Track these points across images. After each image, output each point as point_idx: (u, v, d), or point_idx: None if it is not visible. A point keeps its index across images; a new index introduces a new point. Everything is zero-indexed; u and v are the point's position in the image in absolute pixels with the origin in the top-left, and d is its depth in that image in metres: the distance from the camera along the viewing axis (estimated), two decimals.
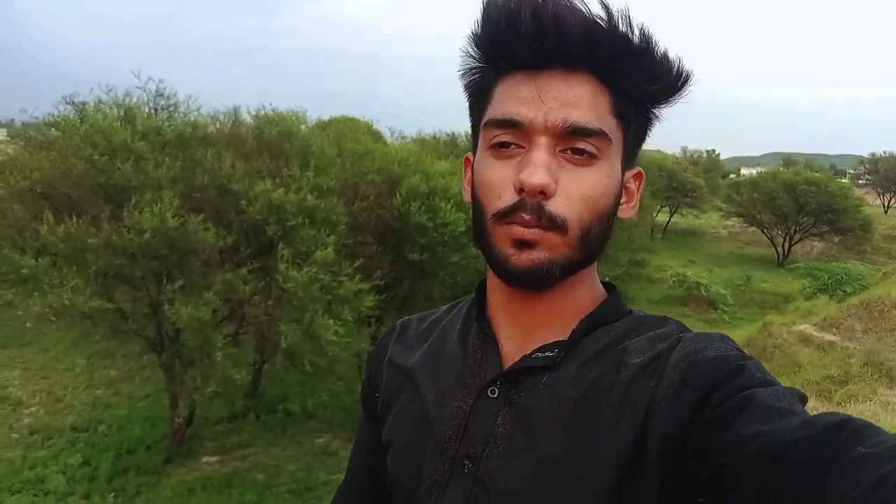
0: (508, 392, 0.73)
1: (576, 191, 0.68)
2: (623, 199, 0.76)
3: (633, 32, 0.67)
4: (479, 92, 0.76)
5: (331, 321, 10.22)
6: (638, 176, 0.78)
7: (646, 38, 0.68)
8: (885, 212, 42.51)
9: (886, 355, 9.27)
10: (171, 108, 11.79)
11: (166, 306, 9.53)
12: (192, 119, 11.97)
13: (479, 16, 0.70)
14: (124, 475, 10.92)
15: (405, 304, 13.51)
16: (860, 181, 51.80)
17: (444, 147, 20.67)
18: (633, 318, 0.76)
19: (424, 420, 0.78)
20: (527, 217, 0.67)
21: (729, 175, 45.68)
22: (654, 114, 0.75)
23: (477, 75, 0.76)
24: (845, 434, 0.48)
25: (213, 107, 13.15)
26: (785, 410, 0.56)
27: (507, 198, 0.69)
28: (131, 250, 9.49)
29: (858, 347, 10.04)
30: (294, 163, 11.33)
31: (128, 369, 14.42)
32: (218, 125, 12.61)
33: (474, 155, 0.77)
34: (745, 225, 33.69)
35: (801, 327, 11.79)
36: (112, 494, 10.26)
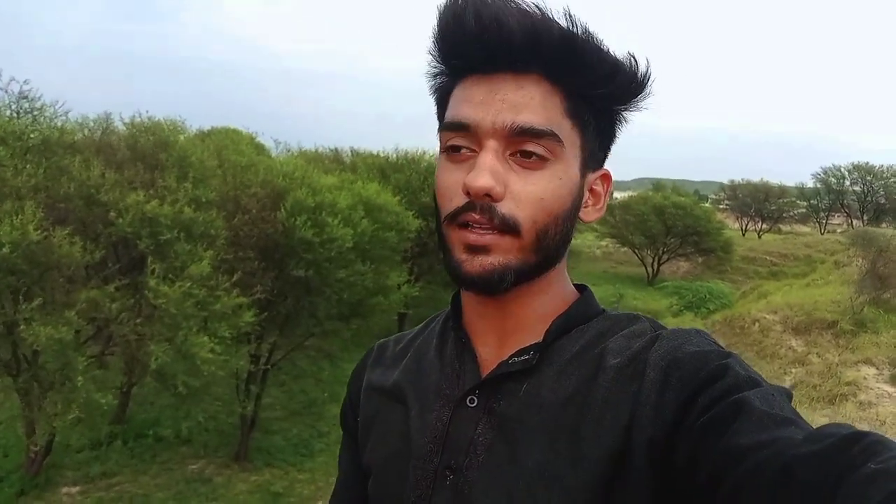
0: (487, 400, 0.73)
1: (526, 193, 0.68)
2: (589, 202, 0.76)
3: (576, 30, 0.68)
4: (440, 97, 0.77)
5: (206, 338, 9.77)
6: (605, 178, 0.78)
7: (590, 37, 0.68)
8: (743, 235, 45.73)
9: None
10: (36, 112, 11.03)
11: (22, 326, 8.78)
12: (59, 125, 11.23)
13: (435, 18, 0.71)
14: None
15: (288, 322, 13.17)
16: (721, 206, 55.60)
17: (328, 162, 20.48)
18: (607, 316, 0.77)
19: (406, 436, 0.78)
20: (477, 216, 0.67)
21: None
22: (620, 114, 0.76)
23: (440, 80, 0.77)
24: (856, 450, 0.47)
25: (82, 113, 12.41)
26: (780, 418, 0.54)
27: (458, 200, 0.69)
28: None
29: None
30: (170, 174, 10.82)
31: None
32: (87, 132, 11.91)
33: None
34: (617, 245, 35.32)
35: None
36: None
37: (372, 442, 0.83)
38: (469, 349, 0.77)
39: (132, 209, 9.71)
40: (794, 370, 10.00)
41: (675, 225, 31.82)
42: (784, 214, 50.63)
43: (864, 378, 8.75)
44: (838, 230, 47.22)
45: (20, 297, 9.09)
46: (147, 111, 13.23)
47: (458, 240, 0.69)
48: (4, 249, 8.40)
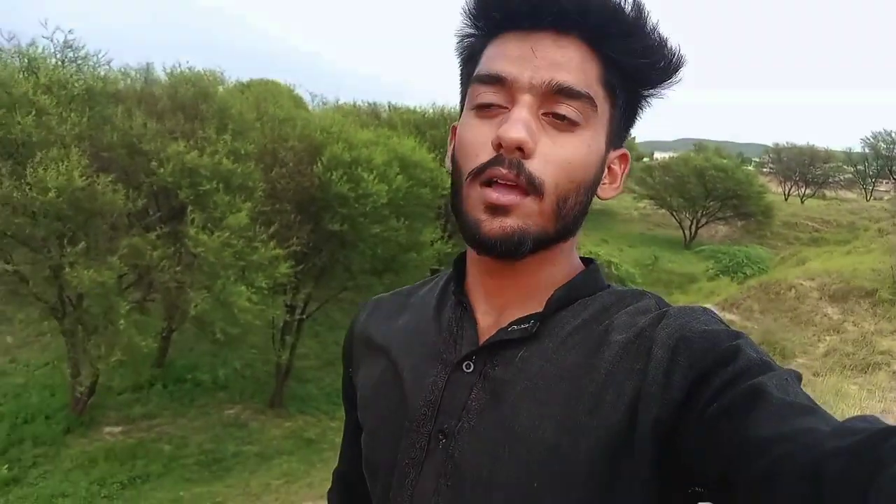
0: (483, 366, 0.72)
1: (554, 155, 0.66)
2: (606, 179, 0.75)
3: (626, 2, 0.66)
4: (469, 54, 0.75)
5: (244, 288, 9.99)
6: (623, 158, 0.77)
7: (639, 10, 0.67)
8: (786, 199, 44.65)
9: (781, 335, 9.84)
10: (80, 62, 11.19)
11: (68, 270, 9.07)
12: (102, 74, 11.38)
13: None
14: (20, 446, 10.47)
15: (323, 274, 13.35)
16: (764, 169, 54.19)
17: (366, 117, 20.44)
18: (611, 291, 0.75)
19: (399, 397, 0.76)
20: (504, 171, 0.65)
21: (643, 158, 47.00)
22: (645, 97, 0.74)
23: (470, 39, 0.75)
24: (888, 447, 0.44)
25: (124, 62, 12.56)
26: (798, 407, 0.53)
27: (485, 155, 0.67)
28: (33, 209, 8.99)
29: (756, 327, 10.60)
30: (210, 125, 10.94)
31: (26, 335, 13.69)
32: (129, 81, 12.05)
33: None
34: (655, 207, 34.78)
35: (704, 307, 12.36)
36: (6, 466, 9.81)
37: (365, 400, 0.83)
38: (469, 314, 0.76)
39: (173, 159, 9.88)
40: (828, 338, 9.86)
41: (715, 188, 31.20)
42: (829, 180, 49.16)
43: None
44: (885, 197, 45.82)
45: (65, 242, 9.38)
46: (188, 61, 13.34)
47: (479, 198, 0.67)
48: (51, 194, 8.64)
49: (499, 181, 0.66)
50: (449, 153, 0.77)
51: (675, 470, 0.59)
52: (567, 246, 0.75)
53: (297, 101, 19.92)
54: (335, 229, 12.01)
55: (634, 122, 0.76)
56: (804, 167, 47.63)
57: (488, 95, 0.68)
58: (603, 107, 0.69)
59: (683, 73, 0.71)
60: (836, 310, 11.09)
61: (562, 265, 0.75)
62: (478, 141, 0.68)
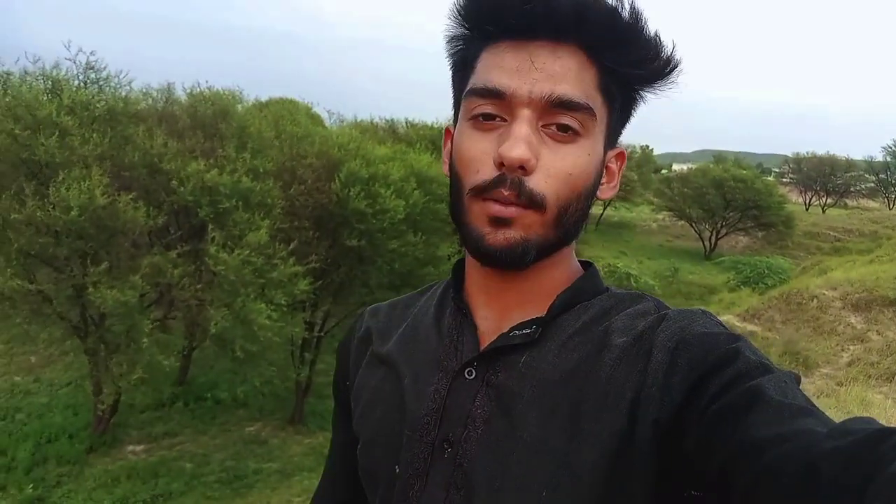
0: (486, 373, 0.71)
1: (556, 168, 0.66)
2: (604, 179, 0.74)
3: (622, 8, 0.65)
4: (462, 60, 0.73)
5: (263, 305, 10.05)
6: (620, 156, 0.76)
7: (636, 16, 0.66)
8: (807, 209, 44.31)
9: (803, 345, 9.72)
10: (102, 82, 11.37)
11: (91, 289, 9.17)
12: (124, 94, 11.56)
13: None
14: (44, 465, 10.55)
15: (341, 290, 13.40)
16: (784, 179, 53.83)
17: (383, 133, 20.56)
18: (611, 294, 0.75)
19: (400, 406, 0.75)
20: (506, 193, 0.64)
21: (661, 170, 46.85)
22: (640, 94, 0.73)
23: (461, 43, 0.73)
24: (885, 448, 0.44)
25: (146, 82, 12.75)
26: (796, 408, 0.53)
27: (486, 172, 0.66)
28: (56, 228, 9.12)
29: (778, 337, 10.48)
30: (230, 143, 11.07)
31: (49, 354, 13.87)
32: (150, 101, 12.23)
33: (455, 127, 0.74)
34: (674, 219, 34.67)
35: (725, 318, 12.20)
36: (31, 486, 9.88)
37: (363, 408, 0.81)
38: (469, 320, 0.75)
39: (193, 178, 9.99)
40: (851, 347, 9.72)
41: (734, 198, 31.06)
42: (851, 188, 48.75)
43: None
44: None
45: (88, 261, 9.48)
46: (206, 81, 13.52)
47: (481, 211, 0.66)
48: (73, 212, 8.77)
49: (499, 199, 0.65)
50: (445, 159, 0.76)
51: (675, 472, 0.59)
52: (567, 250, 0.74)
53: (315, 119, 20.08)
54: (353, 245, 12.07)
55: (630, 118, 0.75)
56: (825, 176, 47.25)
57: (486, 107, 0.67)
58: (601, 112, 0.68)
59: (680, 73, 0.70)
60: (859, 319, 10.94)
61: (562, 269, 0.75)
62: (478, 155, 0.67)
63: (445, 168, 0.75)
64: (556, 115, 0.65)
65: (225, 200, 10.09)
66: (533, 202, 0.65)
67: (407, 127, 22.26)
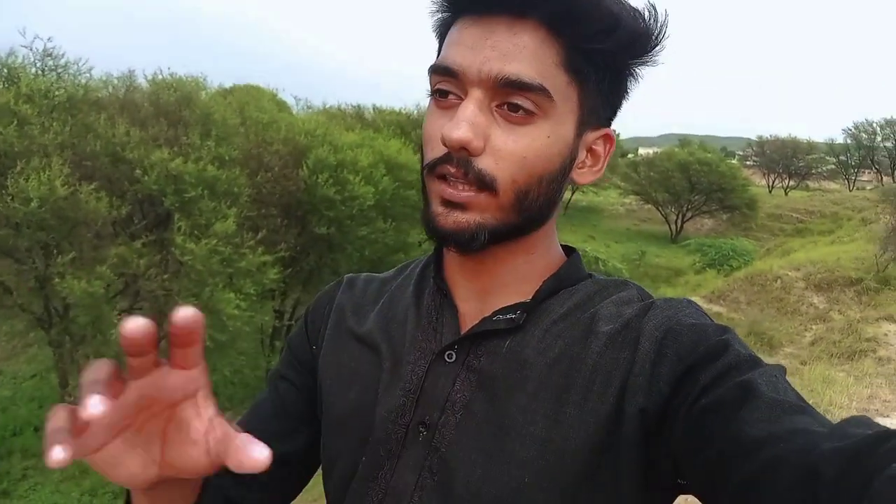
0: (467, 356, 0.70)
1: (508, 150, 0.64)
2: (586, 162, 0.72)
3: None
4: (439, 35, 0.71)
5: (232, 295, 9.95)
6: (607, 138, 0.72)
7: None
8: (770, 191, 44.94)
9: (767, 325, 9.94)
10: (60, 70, 11.11)
11: (56, 280, 9.00)
12: (84, 82, 11.30)
13: None
14: (9, 459, 10.37)
15: (311, 278, 13.33)
16: (748, 162, 54.52)
17: (351, 119, 20.41)
18: (595, 281, 0.74)
19: (374, 387, 0.73)
20: (453, 170, 0.63)
21: (628, 154, 47.19)
22: (629, 70, 0.69)
23: (441, 16, 0.71)
24: (884, 449, 0.43)
25: (105, 70, 12.48)
26: (788, 405, 0.53)
27: (438, 150, 0.65)
28: (16, 220, 8.91)
29: (743, 318, 10.70)
30: (194, 131, 10.90)
31: (11, 347, 13.57)
32: (111, 89, 11.98)
33: None
34: (641, 202, 34.91)
35: (689, 299, 12.43)
36: None
37: (334, 385, 0.78)
38: (449, 301, 0.74)
39: (157, 166, 9.82)
40: (814, 327, 9.96)
41: (699, 182, 31.34)
42: (812, 171, 49.57)
43: (885, 334, 8.71)
44: (868, 187, 46.27)
45: (52, 253, 9.30)
46: (168, 67, 13.28)
47: (436, 192, 0.66)
48: (33, 204, 8.57)
49: (450, 178, 0.64)
50: None
51: (661, 462, 0.59)
52: (541, 235, 0.72)
53: (281, 105, 19.85)
54: (322, 232, 12.01)
55: (623, 94, 0.72)
56: (787, 159, 47.99)
57: (443, 84, 0.66)
58: (566, 92, 0.65)
59: (663, 41, 0.67)
60: (821, 299, 11.21)
61: (539, 254, 0.73)
62: (433, 133, 0.66)
63: None
64: (508, 95, 0.63)
65: (190, 189, 9.94)
66: (483, 183, 0.63)
67: (374, 112, 22.12)
